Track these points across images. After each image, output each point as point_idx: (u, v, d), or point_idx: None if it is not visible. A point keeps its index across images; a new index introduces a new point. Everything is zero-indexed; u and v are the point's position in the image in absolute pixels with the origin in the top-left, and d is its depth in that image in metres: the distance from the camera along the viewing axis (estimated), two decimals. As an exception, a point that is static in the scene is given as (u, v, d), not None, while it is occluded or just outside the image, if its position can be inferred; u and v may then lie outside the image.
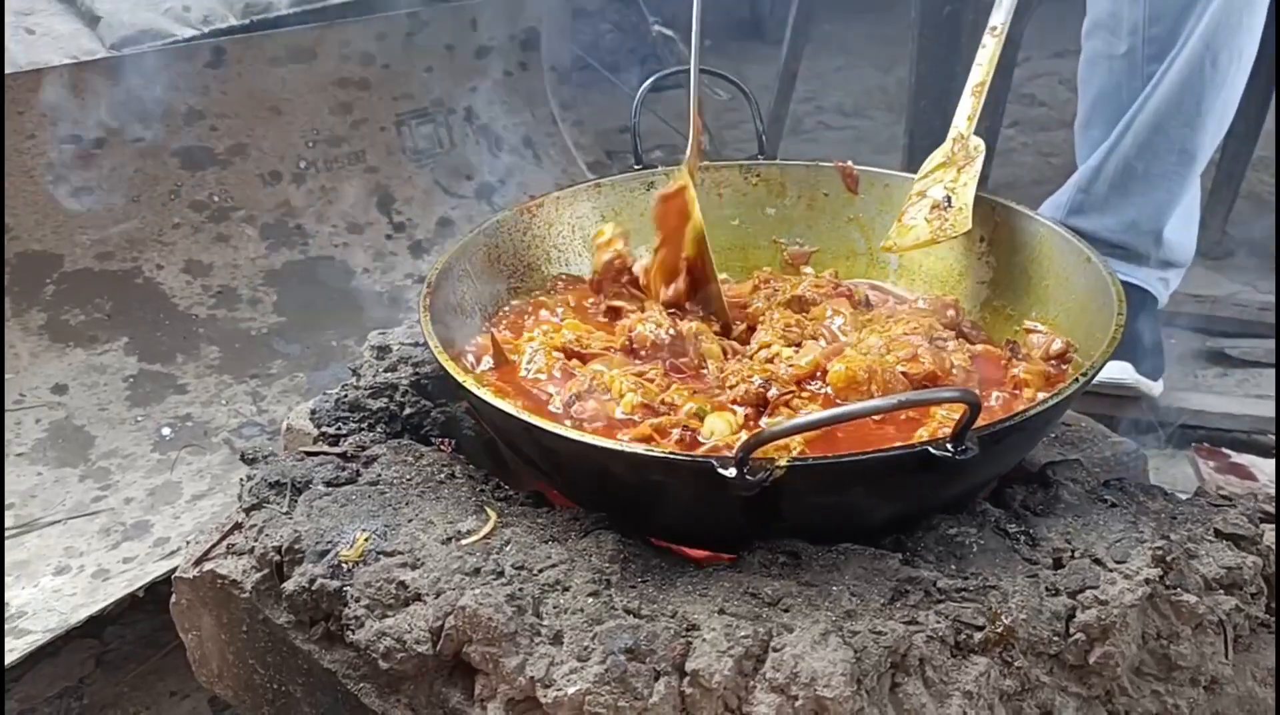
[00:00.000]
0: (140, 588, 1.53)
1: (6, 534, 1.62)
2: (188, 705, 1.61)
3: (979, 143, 1.34)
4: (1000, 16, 1.38)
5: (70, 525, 1.66)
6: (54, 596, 1.53)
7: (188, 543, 1.14)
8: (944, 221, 1.29)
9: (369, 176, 2.34)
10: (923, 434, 1.01)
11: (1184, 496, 1.08)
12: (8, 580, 1.55)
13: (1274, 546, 0.98)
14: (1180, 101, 1.91)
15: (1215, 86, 1.89)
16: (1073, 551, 0.96)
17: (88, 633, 1.65)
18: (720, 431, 1.04)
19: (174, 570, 1.13)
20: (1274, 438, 2.04)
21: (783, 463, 0.86)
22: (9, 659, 1.41)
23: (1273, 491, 1.07)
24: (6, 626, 1.47)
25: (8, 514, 1.65)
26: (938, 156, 1.36)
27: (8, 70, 1.89)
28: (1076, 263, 1.21)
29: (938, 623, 0.88)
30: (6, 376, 1.81)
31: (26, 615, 1.49)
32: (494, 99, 2.57)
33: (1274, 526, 1.01)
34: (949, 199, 1.30)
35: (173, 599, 1.14)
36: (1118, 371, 1.98)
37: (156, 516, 1.70)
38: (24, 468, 1.73)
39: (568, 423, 1.06)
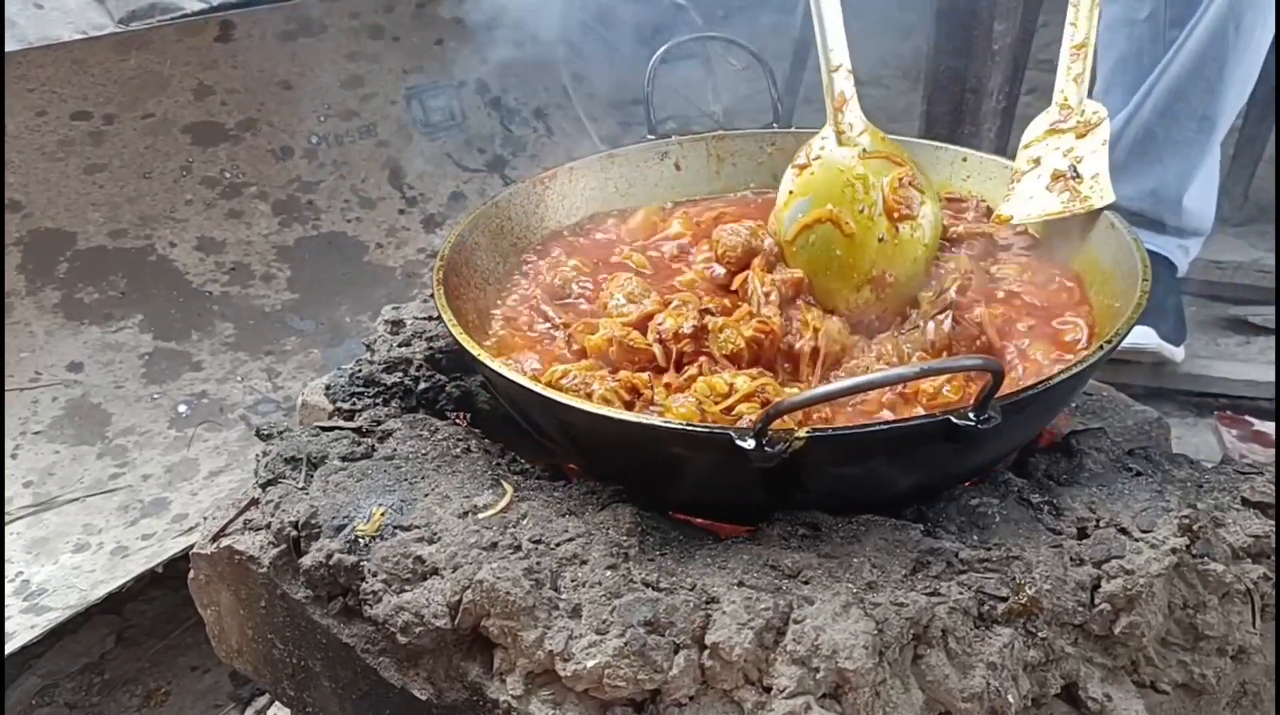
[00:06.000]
0: (159, 564, 1.54)
1: (26, 512, 1.63)
2: (208, 680, 1.62)
3: (1099, 107, 1.26)
4: None
5: (88, 502, 1.67)
6: (74, 573, 1.53)
7: (205, 519, 1.14)
8: (1075, 194, 1.21)
9: (380, 150, 2.32)
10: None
11: (1209, 465, 1.06)
12: (27, 558, 1.55)
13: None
14: (1202, 67, 1.87)
15: (1238, 51, 1.86)
16: (1097, 521, 0.95)
17: (108, 609, 1.66)
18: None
19: (192, 546, 1.13)
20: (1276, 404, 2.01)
21: (802, 434, 0.85)
22: (31, 635, 1.42)
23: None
24: (27, 604, 1.48)
25: (26, 492, 1.66)
26: (1043, 122, 1.29)
27: (18, 46, 1.88)
28: (1100, 228, 1.19)
29: (960, 594, 0.86)
30: (22, 355, 1.81)
31: (47, 592, 1.50)
32: (505, 71, 2.54)
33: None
34: (1074, 169, 1.23)
35: (191, 575, 1.14)
36: (1140, 337, 1.95)
37: (174, 493, 1.71)
38: (41, 446, 1.73)
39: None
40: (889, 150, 1.22)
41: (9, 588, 1.50)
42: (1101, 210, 1.19)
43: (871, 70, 3.77)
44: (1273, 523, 0.95)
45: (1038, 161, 1.27)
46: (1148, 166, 1.99)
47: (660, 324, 1.10)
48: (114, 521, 1.64)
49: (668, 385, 1.04)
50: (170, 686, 1.60)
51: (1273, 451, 1.82)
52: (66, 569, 1.54)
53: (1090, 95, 2.14)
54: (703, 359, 1.06)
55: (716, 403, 0.98)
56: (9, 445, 1.71)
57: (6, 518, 1.61)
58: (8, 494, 1.65)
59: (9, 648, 1.40)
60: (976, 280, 1.17)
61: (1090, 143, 1.24)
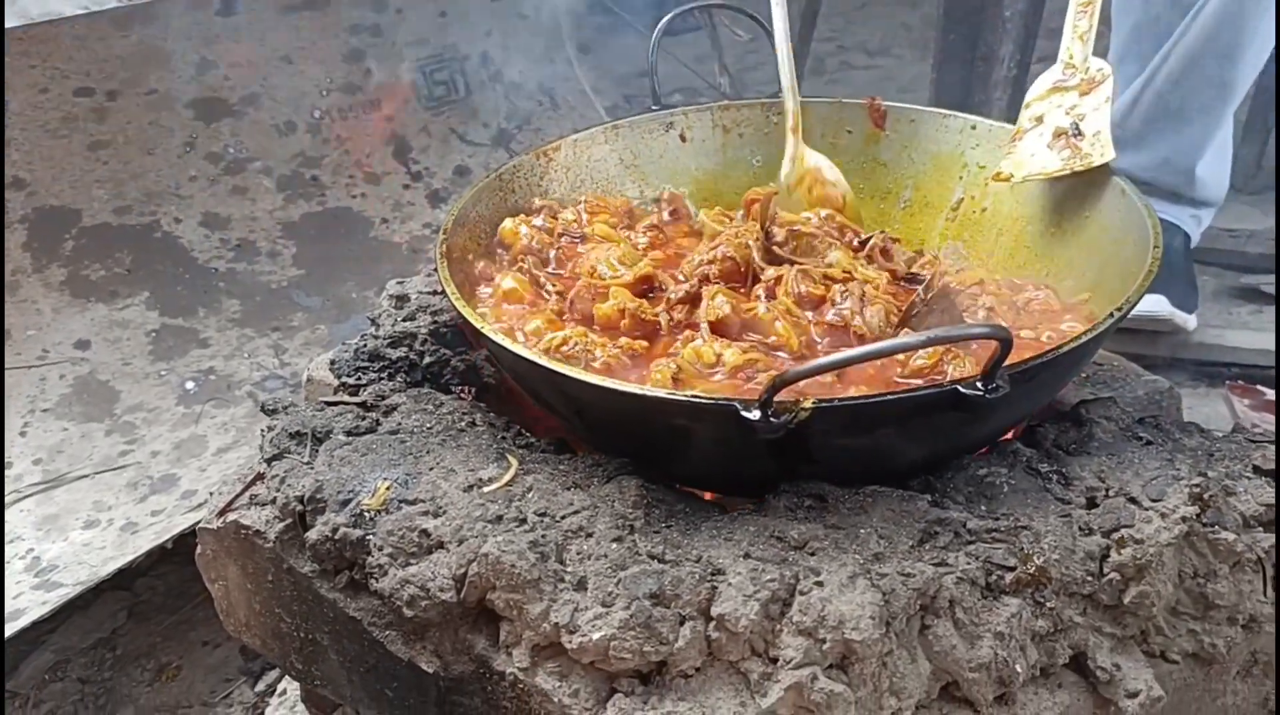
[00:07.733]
0: (169, 540, 1.55)
1: (36, 489, 1.64)
2: (219, 654, 1.63)
3: (1103, 65, 1.24)
4: None
5: (98, 479, 1.67)
6: (84, 550, 1.54)
7: (212, 494, 1.14)
8: (1076, 151, 1.20)
9: (385, 125, 2.31)
10: None
11: (1220, 433, 1.05)
12: (38, 534, 1.56)
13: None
14: (1219, 34, 1.84)
15: (1255, 18, 1.83)
16: (1107, 490, 0.94)
17: (119, 585, 1.67)
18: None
19: (200, 522, 1.13)
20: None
21: (808, 404, 0.85)
22: (42, 611, 1.43)
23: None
24: (38, 580, 1.49)
25: (36, 469, 1.67)
26: (1047, 80, 1.28)
27: (20, 22, 1.87)
28: (1111, 195, 1.18)
29: (968, 564, 0.86)
30: (29, 333, 1.82)
31: (58, 568, 1.50)
32: (509, 43, 2.52)
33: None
34: (1076, 127, 1.21)
35: (198, 550, 1.14)
36: (1152, 304, 1.94)
37: (183, 469, 1.71)
38: (50, 423, 1.74)
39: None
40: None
41: (20, 564, 1.51)
42: (1112, 178, 1.18)
43: (881, 41, 3.74)
44: (1285, 491, 0.94)
45: (1040, 119, 1.26)
46: (1162, 134, 1.96)
47: (669, 294, 1.10)
48: (123, 498, 1.65)
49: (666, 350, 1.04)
50: (182, 661, 1.61)
51: (1286, 421, 1.81)
52: (77, 545, 1.55)
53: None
54: (689, 331, 1.06)
55: (700, 374, 0.98)
56: (18, 423, 1.72)
57: (18, 495, 1.62)
58: (18, 471, 1.66)
59: (21, 623, 1.41)
60: (996, 301, 1.16)
61: (1093, 99, 1.23)
